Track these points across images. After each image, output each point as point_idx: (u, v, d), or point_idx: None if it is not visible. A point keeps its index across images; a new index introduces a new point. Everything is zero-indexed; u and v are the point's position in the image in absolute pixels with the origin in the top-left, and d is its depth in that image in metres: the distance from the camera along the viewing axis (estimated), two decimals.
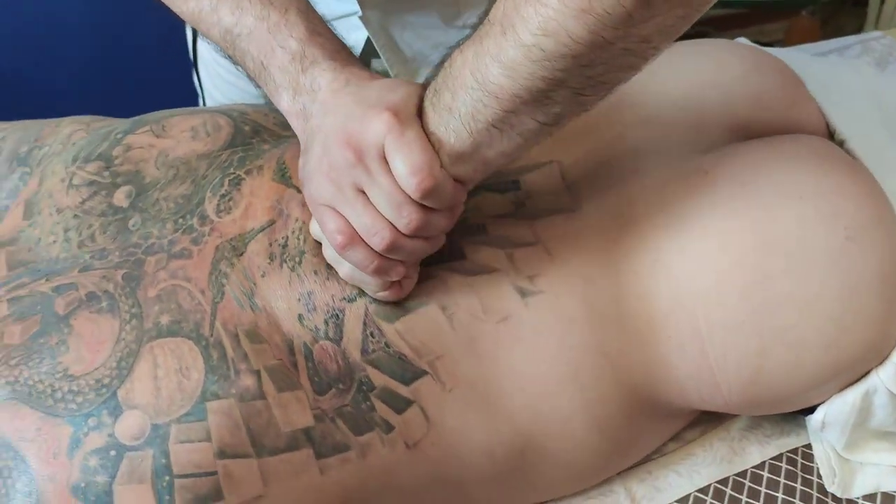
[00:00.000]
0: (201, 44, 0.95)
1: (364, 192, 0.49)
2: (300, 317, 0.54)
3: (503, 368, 0.55)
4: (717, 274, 0.57)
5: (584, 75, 0.43)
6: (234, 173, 0.60)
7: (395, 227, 0.49)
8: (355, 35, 0.81)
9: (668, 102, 0.68)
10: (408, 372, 0.54)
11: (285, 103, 0.54)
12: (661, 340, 0.58)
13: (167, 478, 0.48)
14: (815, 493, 0.66)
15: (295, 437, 0.50)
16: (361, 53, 0.82)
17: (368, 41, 0.82)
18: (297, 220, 0.57)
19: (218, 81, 0.95)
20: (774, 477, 0.67)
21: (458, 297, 0.55)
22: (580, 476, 0.63)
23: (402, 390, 0.53)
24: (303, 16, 0.54)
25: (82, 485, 0.48)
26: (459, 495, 0.58)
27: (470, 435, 0.55)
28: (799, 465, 0.68)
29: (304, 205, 0.57)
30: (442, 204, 0.49)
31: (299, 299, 0.55)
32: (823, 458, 0.68)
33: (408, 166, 0.47)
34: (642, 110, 0.67)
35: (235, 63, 0.58)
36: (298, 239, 0.56)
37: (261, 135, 0.66)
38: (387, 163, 0.48)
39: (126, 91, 1.37)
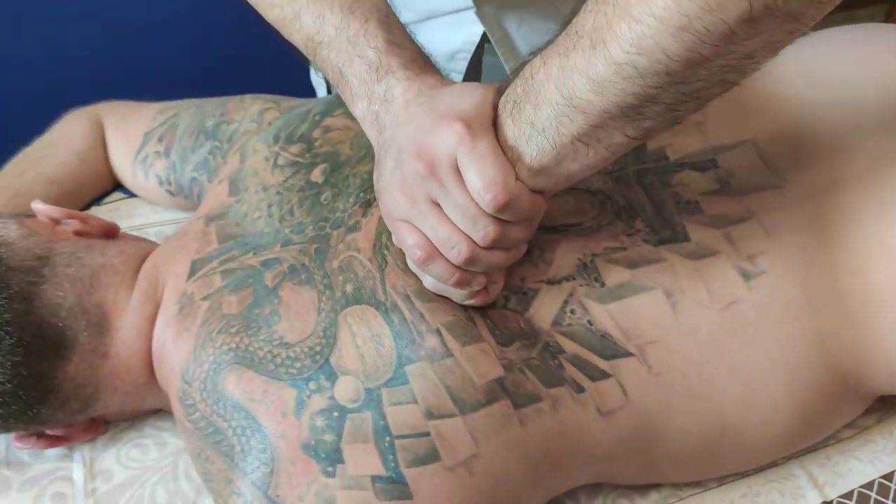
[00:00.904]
0: None
1: (439, 205, 0.48)
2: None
3: (722, 358, 0.55)
4: None
5: (679, 92, 0.41)
6: None
7: (472, 240, 0.48)
8: (470, 30, 0.80)
9: (858, 82, 0.67)
10: (609, 349, 0.54)
11: (360, 112, 0.54)
12: (876, 320, 0.57)
13: (388, 438, 0.50)
14: None
15: (491, 388, 0.52)
16: (476, 49, 0.82)
17: (484, 36, 0.81)
18: None
19: None
20: None
21: (685, 283, 0.55)
22: (764, 455, 0.64)
23: (600, 363, 0.54)
24: (383, 26, 0.54)
25: (312, 443, 0.51)
26: (647, 465, 0.59)
27: (669, 418, 0.55)
28: None
29: None
30: (518, 217, 0.48)
31: None
32: None
33: (481, 180, 0.45)
34: (827, 91, 0.66)
35: (316, 69, 0.59)
36: None
37: None
38: (460, 175, 0.46)
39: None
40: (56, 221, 0.64)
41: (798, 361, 0.56)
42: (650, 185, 0.60)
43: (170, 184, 0.78)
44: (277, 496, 0.51)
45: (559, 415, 0.53)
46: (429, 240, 0.49)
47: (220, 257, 0.62)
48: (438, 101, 0.49)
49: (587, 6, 0.41)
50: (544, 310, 0.55)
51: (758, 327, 0.55)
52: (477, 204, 0.46)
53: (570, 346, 0.54)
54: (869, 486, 0.65)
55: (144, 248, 0.67)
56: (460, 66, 0.84)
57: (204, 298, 0.59)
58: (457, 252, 0.48)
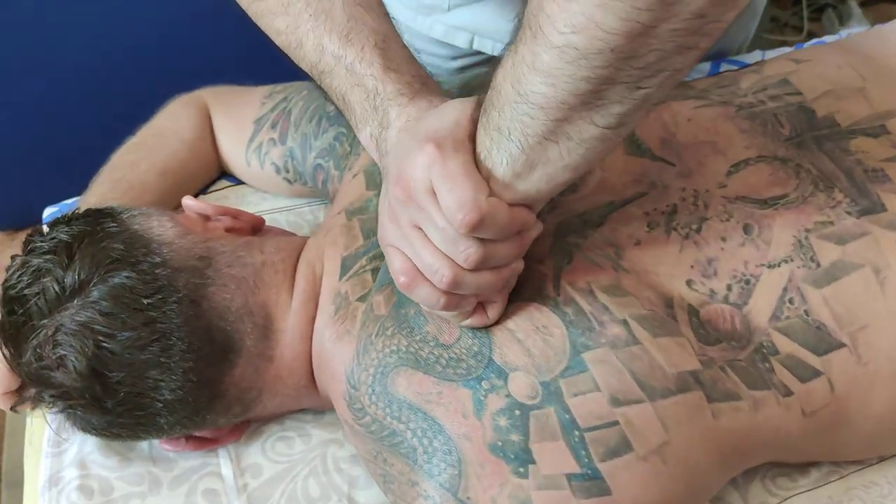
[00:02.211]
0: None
1: (422, 230, 0.47)
2: (689, 282, 0.54)
3: None
4: None
5: (634, 67, 0.36)
6: None
7: (456, 263, 0.46)
8: None
9: None
10: (823, 343, 0.52)
11: (364, 138, 0.54)
12: None
13: (576, 433, 0.48)
14: None
15: (683, 378, 0.50)
16: None
17: None
18: (683, 189, 0.57)
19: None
20: None
21: (890, 258, 0.53)
22: None
23: (812, 360, 0.52)
24: (379, 51, 0.53)
25: (499, 443, 0.49)
26: (828, 448, 0.58)
27: (867, 406, 0.54)
28: None
29: (686, 175, 0.57)
30: (499, 234, 0.45)
31: (692, 265, 0.54)
32: None
33: (452, 200, 0.43)
34: None
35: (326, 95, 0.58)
36: (696, 206, 0.56)
37: None
38: (436, 197, 0.45)
39: None
40: (207, 218, 0.62)
41: None
42: (831, 153, 0.57)
43: (287, 171, 0.76)
44: (468, 498, 0.49)
45: (758, 416, 0.52)
46: (413, 265, 0.48)
47: (368, 254, 0.60)
48: (420, 125, 0.48)
49: None
50: (764, 301, 0.53)
51: None
52: (449, 230, 0.45)
53: (785, 346, 0.52)
54: None
55: (296, 244, 0.65)
56: None
57: (359, 299, 0.58)
58: (440, 276, 0.46)
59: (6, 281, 0.56)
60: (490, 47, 0.85)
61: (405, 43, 0.56)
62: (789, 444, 0.54)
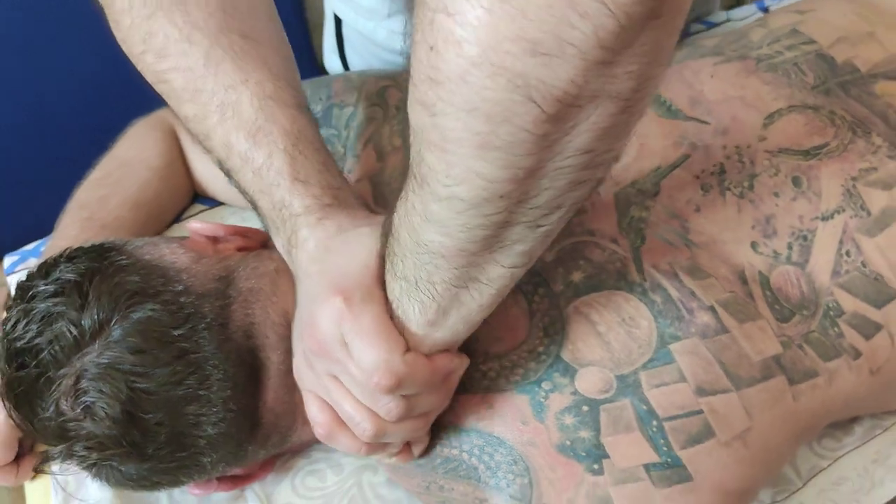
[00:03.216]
0: (346, 28, 0.91)
1: (338, 380, 0.45)
2: (753, 244, 0.52)
3: None
4: None
5: (528, 208, 0.34)
6: None
7: (378, 415, 0.45)
8: None
9: None
10: (882, 294, 0.52)
11: (280, 247, 0.51)
12: None
13: (654, 422, 0.47)
14: None
15: (767, 365, 0.49)
16: None
17: None
18: (724, 147, 0.55)
19: (372, 60, 0.91)
20: None
21: None
22: None
23: (873, 314, 0.52)
24: (288, 158, 0.49)
25: (567, 443, 0.47)
26: (882, 401, 0.58)
27: None
28: None
29: (723, 133, 0.55)
30: (419, 388, 0.44)
31: (753, 226, 0.53)
32: None
33: (366, 361, 0.42)
34: None
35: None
36: (742, 163, 0.54)
37: None
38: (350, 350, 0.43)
39: None
40: (216, 240, 0.57)
41: None
42: (860, 98, 0.57)
43: None
44: None
45: (832, 388, 0.51)
46: (332, 414, 0.47)
47: None
48: (329, 264, 0.46)
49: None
50: (823, 257, 0.52)
51: None
52: (368, 384, 0.43)
53: (848, 304, 0.51)
54: None
55: None
56: None
57: None
58: (362, 430, 0.45)
59: (7, 334, 0.49)
60: None
61: (321, 140, 0.52)
62: (853, 405, 0.54)
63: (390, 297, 0.43)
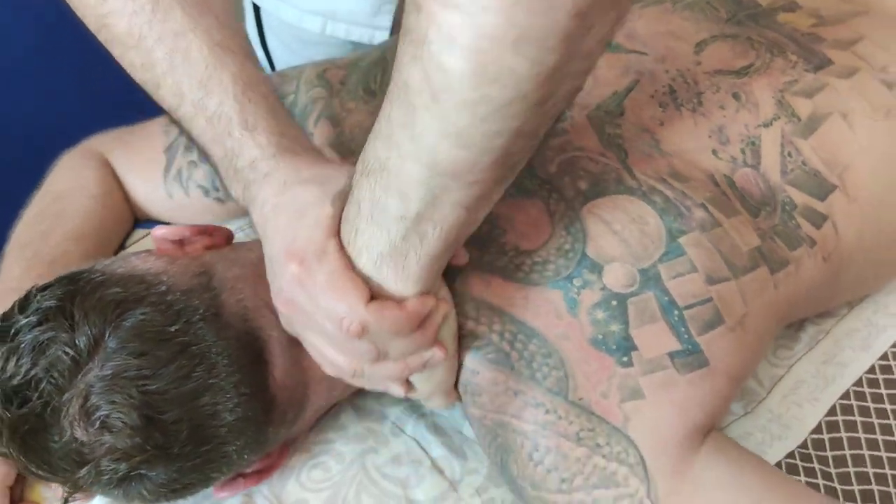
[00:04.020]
0: (265, 15, 0.92)
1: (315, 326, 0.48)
2: (714, 151, 0.57)
3: (888, 163, 0.60)
4: None
5: (541, 112, 0.36)
6: None
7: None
8: None
9: None
10: (822, 188, 0.58)
11: (236, 195, 0.53)
12: None
13: (676, 312, 0.51)
14: None
15: (753, 256, 0.54)
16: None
17: None
18: (667, 71, 0.60)
19: (294, 45, 0.92)
20: None
21: (850, 102, 0.59)
22: None
23: (819, 206, 0.57)
24: (237, 106, 0.50)
25: (600, 336, 0.50)
26: (827, 296, 0.64)
27: (861, 240, 0.60)
28: None
29: (662, 60, 0.60)
30: (395, 332, 0.46)
31: (710, 135, 0.58)
32: None
33: (331, 313, 0.45)
34: None
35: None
36: (687, 83, 0.59)
37: None
38: (319, 306, 0.46)
39: None
40: (182, 243, 0.57)
41: None
42: (769, 26, 0.63)
43: (217, 189, 0.71)
44: (580, 399, 0.50)
45: (799, 276, 0.56)
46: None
47: None
48: (279, 225, 0.47)
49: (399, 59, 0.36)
50: (771, 158, 0.57)
51: None
52: (348, 332, 0.45)
53: (798, 197, 0.57)
54: None
55: None
56: (384, 21, 0.82)
57: None
58: (343, 372, 0.48)
59: None
60: (344, 31, 0.84)
61: (269, 86, 0.53)
62: (813, 295, 0.59)
63: (351, 246, 0.45)
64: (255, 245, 0.57)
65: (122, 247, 0.76)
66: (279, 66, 0.95)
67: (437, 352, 0.49)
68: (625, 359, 0.50)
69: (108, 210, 0.73)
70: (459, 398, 0.55)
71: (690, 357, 0.50)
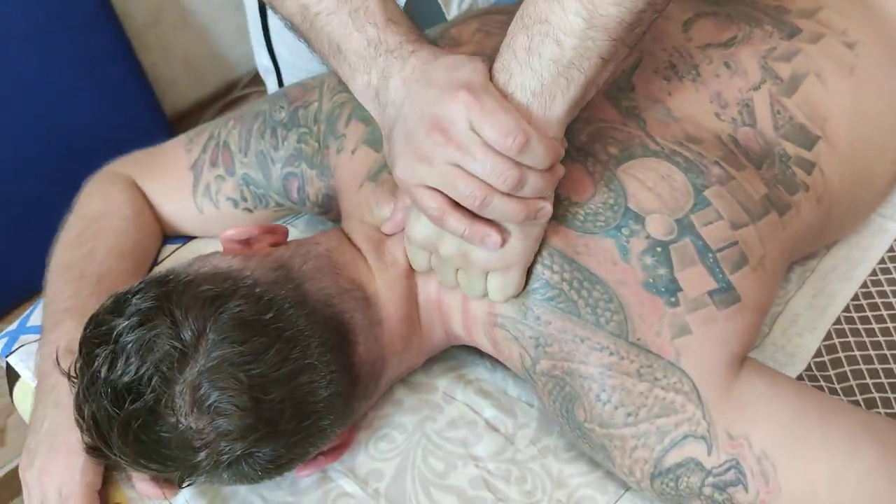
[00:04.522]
0: (272, 17, 0.95)
1: (457, 166, 0.51)
2: (717, 114, 0.65)
3: (862, 115, 0.68)
4: None
5: None
6: None
7: (493, 188, 0.51)
8: None
9: None
10: (808, 139, 0.66)
11: (359, 86, 0.58)
12: None
13: (710, 255, 0.57)
14: None
15: (763, 202, 0.62)
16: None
17: None
18: (664, 49, 0.68)
19: (300, 44, 0.95)
20: None
21: (821, 63, 0.68)
22: (883, 194, 0.78)
23: (807, 155, 0.65)
24: (381, 3, 0.58)
25: (651, 280, 0.56)
26: (820, 235, 0.72)
27: (844, 184, 0.68)
28: None
29: (657, 40, 0.67)
30: (537, 160, 0.51)
31: (710, 101, 0.65)
32: None
33: (499, 130, 0.50)
34: None
35: (305, 39, 0.62)
36: (683, 57, 0.67)
37: None
38: (476, 135, 0.50)
39: None
40: (248, 243, 0.61)
41: None
42: (742, 2, 0.71)
43: (245, 200, 0.76)
44: (638, 339, 0.55)
45: (801, 216, 0.64)
46: (446, 198, 0.53)
47: None
48: (435, 76, 0.53)
49: None
50: (764, 117, 0.65)
51: (873, 83, 0.70)
52: (497, 155, 0.50)
53: (790, 149, 0.65)
54: None
55: (334, 232, 0.66)
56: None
57: None
58: (474, 198, 0.51)
59: (104, 377, 0.51)
60: None
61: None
62: (811, 234, 0.67)
63: (505, 86, 0.52)
64: (322, 238, 0.63)
65: (155, 262, 0.79)
66: (284, 68, 0.99)
67: (548, 206, 0.54)
68: (672, 299, 0.56)
69: (140, 229, 0.76)
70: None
71: (725, 294, 0.57)
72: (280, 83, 1.01)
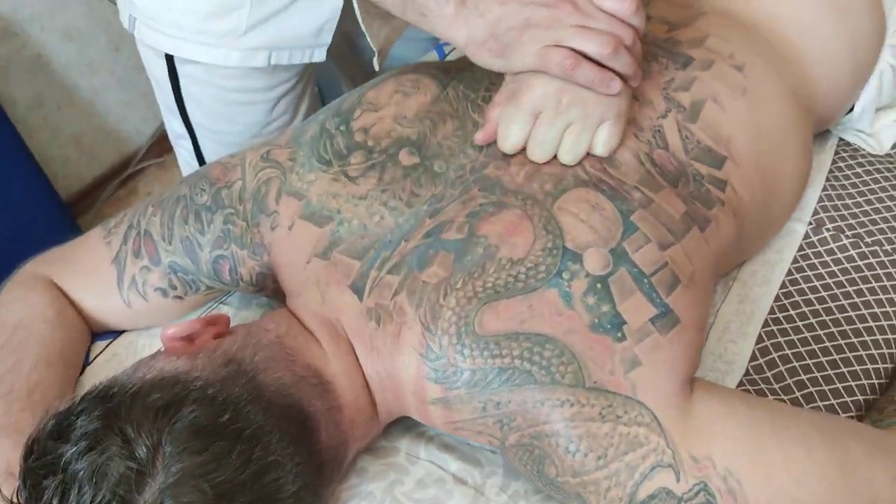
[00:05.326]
0: (186, 81, 0.93)
1: (585, 27, 0.61)
2: (635, 135, 0.68)
3: (758, 131, 0.73)
4: None
5: None
6: (483, 94, 0.71)
7: (617, 39, 0.61)
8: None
9: None
10: (716, 159, 0.70)
11: (451, 11, 0.64)
12: (813, 77, 0.81)
13: (645, 280, 0.59)
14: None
15: (684, 220, 0.65)
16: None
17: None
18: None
19: (217, 108, 0.95)
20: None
21: (716, 87, 0.72)
22: (791, 204, 0.82)
23: (718, 174, 0.69)
24: None
25: (596, 320, 0.58)
26: (736, 250, 0.75)
27: (752, 197, 0.72)
28: (848, 152, 0.95)
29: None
30: (640, 22, 0.63)
31: (628, 124, 0.68)
32: (860, 140, 0.96)
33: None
34: None
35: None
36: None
37: (444, 68, 0.75)
38: (596, 6, 0.62)
39: None
40: (191, 338, 0.59)
41: (790, 113, 0.77)
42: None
43: (175, 288, 0.74)
44: (595, 382, 0.56)
45: (721, 230, 0.67)
46: (574, 51, 0.61)
47: (375, 266, 0.63)
48: None
49: None
50: (674, 141, 0.68)
51: (764, 100, 0.74)
52: (615, 20, 0.61)
53: (702, 169, 0.68)
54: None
55: (281, 315, 0.65)
56: (326, 38, 0.88)
57: (394, 296, 0.60)
58: (608, 46, 0.61)
59: None
60: (287, 57, 0.88)
61: None
62: (731, 249, 0.71)
63: None
64: (270, 324, 0.62)
65: (87, 362, 0.76)
66: (200, 132, 0.97)
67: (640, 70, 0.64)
68: (619, 334, 0.57)
69: (66, 331, 0.73)
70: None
71: (666, 318, 0.59)
72: (196, 148, 1.00)
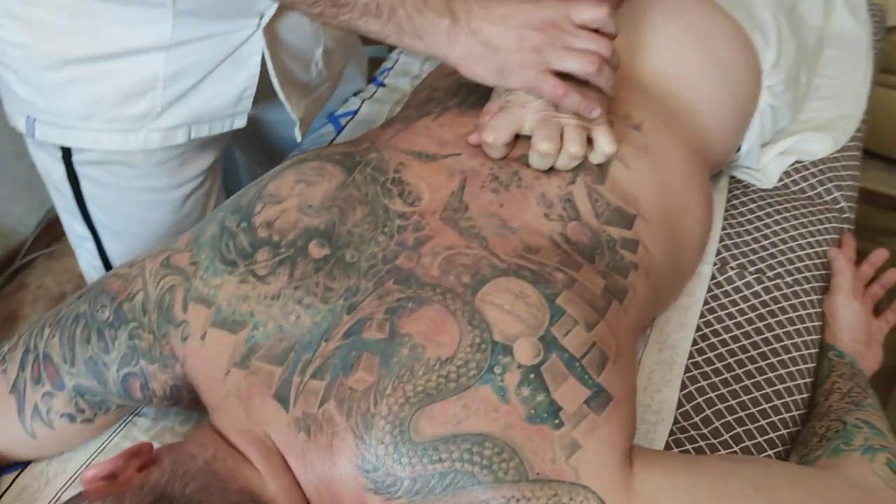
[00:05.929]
0: (87, 183, 0.89)
1: (569, 48, 0.69)
2: (546, 216, 0.68)
3: (664, 188, 0.75)
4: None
5: None
6: (392, 176, 0.70)
7: (597, 56, 0.68)
8: (248, 64, 0.84)
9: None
10: (626, 219, 0.71)
11: (444, 28, 0.69)
12: (702, 129, 0.85)
13: (576, 364, 0.59)
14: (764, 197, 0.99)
15: (605, 295, 0.65)
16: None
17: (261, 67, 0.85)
18: (482, 164, 0.71)
19: (122, 208, 0.92)
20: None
21: (619, 147, 0.73)
22: (696, 255, 0.86)
23: (629, 234, 0.70)
24: None
25: (532, 412, 0.57)
26: (649, 306, 0.76)
27: (661, 254, 0.73)
28: (740, 189, 1.00)
29: (475, 155, 0.72)
30: (612, 28, 0.70)
31: (538, 203, 0.68)
32: (750, 176, 1.00)
33: (592, 12, 0.69)
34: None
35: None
36: (503, 169, 0.71)
37: (348, 152, 0.74)
38: (576, 26, 0.69)
39: None
40: (114, 476, 0.55)
41: (688, 164, 0.80)
42: None
43: (83, 411, 0.68)
44: (538, 474, 0.55)
45: (637, 296, 0.68)
46: (564, 80, 0.68)
47: (297, 370, 0.60)
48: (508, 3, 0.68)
49: None
50: (585, 207, 0.69)
51: (663, 155, 0.77)
52: (594, 34, 0.69)
53: (615, 233, 0.69)
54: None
55: (204, 434, 0.61)
56: (246, 105, 0.87)
57: (322, 405, 0.58)
58: (593, 65, 0.68)
59: None
60: (207, 129, 0.86)
61: None
62: (647, 308, 0.72)
63: None
64: (196, 449, 0.58)
65: None
66: (104, 233, 0.93)
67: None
68: (556, 422, 0.57)
69: None
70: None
71: (599, 397, 0.59)
72: (100, 249, 0.95)
